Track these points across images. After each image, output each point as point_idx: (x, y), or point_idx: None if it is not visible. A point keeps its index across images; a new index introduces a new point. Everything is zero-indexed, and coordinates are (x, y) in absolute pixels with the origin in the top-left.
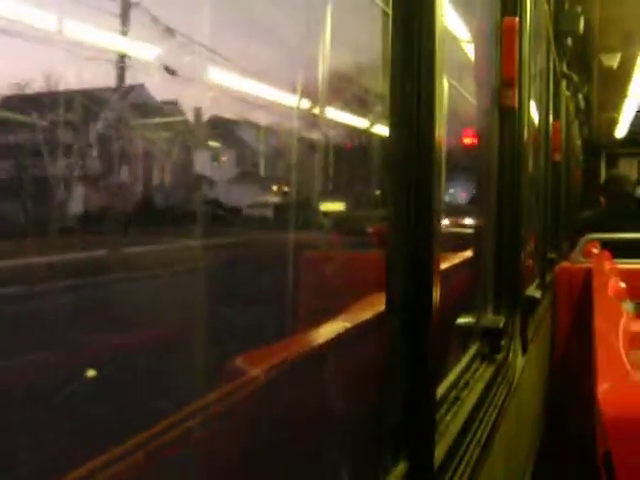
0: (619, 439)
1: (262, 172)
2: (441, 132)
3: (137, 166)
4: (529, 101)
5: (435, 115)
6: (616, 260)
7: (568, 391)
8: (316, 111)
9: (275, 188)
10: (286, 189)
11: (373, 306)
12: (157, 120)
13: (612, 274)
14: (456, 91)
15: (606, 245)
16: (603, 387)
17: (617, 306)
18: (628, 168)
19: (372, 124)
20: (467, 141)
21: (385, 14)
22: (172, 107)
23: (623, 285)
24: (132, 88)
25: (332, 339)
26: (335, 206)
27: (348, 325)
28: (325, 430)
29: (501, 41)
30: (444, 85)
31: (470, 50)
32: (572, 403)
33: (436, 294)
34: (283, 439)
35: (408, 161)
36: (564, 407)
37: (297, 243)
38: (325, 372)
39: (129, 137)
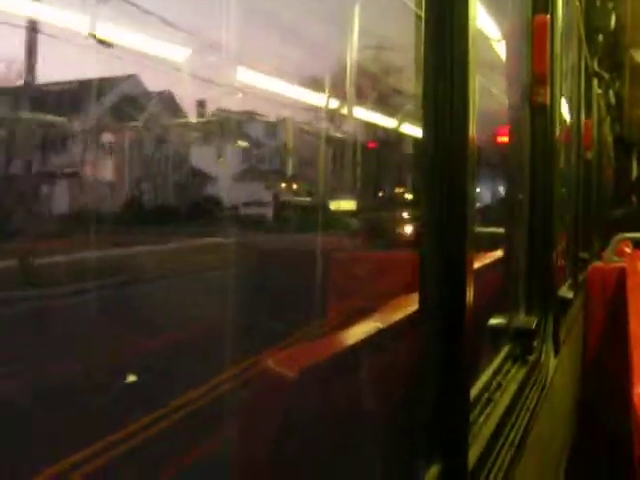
0: None
1: (271, 168)
2: (474, 133)
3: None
4: (560, 98)
5: (469, 116)
6: None
7: (601, 393)
8: (334, 106)
9: (284, 185)
10: (295, 186)
11: (406, 307)
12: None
13: None
14: (485, 90)
15: (638, 244)
16: (639, 390)
17: None
18: None
19: (399, 124)
20: (502, 140)
21: (418, 17)
22: (165, 99)
23: None
24: (123, 79)
25: (365, 340)
26: (347, 205)
27: (382, 325)
28: (359, 431)
29: (532, 39)
30: (476, 85)
31: (501, 48)
32: (605, 404)
33: (470, 294)
34: (316, 442)
35: (441, 162)
36: (597, 409)
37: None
38: (360, 374)
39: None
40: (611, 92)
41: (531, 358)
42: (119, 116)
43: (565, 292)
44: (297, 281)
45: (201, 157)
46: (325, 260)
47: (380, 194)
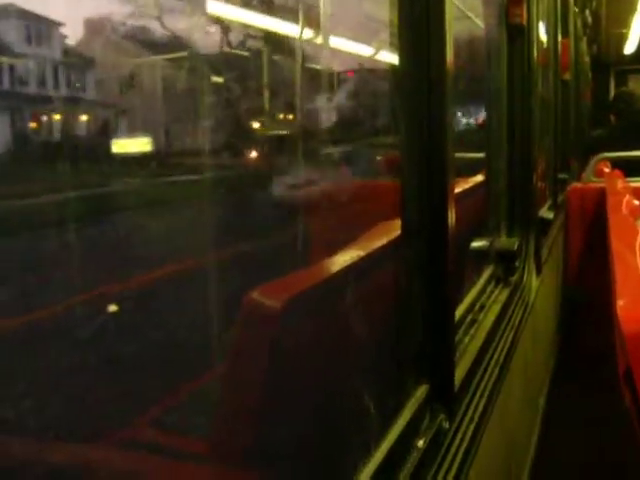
0: None
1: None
2: (451, 56)
3: None
4: (538, 18)
5: (446, 39)
6: (628, 179)
7: (583, 309)
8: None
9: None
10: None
11: (390, 232)
12: None
13: (625, 192)
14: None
15: (617, 164)
16: (622, 303)
17: (632, 224)
18: (638, 85)
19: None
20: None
21: None
22: None
23: (637, 203)
24: None
25: (350, 266)
26: (137, 144)
27: (364, 253)
28: (349, 358)
29: None
30: (453, 7)
31: None
32: (587, 321)
33: (452, 217)
34: (304, 366)
35: (419, 87)
36: (579, 326)
37: None
38: (346, 299)
39: None
40: (587, 11)
41: (514, 279)
42: None
43: (545, 213)
44: None
45: None
46: None
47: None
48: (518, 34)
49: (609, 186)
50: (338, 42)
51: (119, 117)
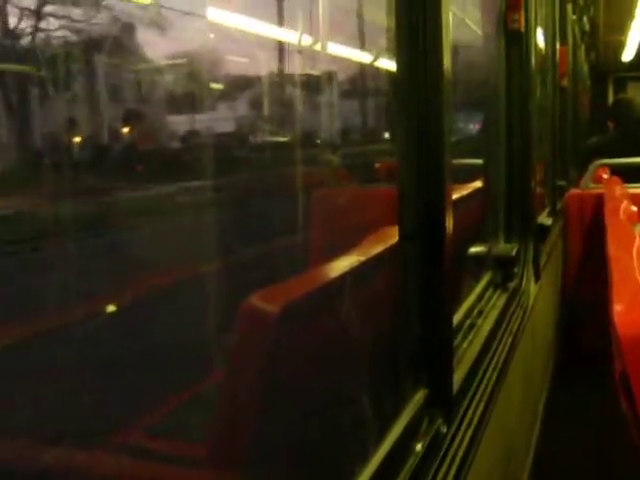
0: (636, 358)
1: None
2: (448, 63)
3: None
4: (536, 25)
5: (443, 44)
6: (626, 185)
7: (581, 314)
8: None
9: None
10: None
11: (387, 239)
12: None
13: (623, 198)
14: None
15: (615, 170)
16: (619, 308)
17: (630, 229)
18: (637, 92)
19: None
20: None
21: None
22: None
23: (635, 209)
24: None
25: (347, 272)
26: None
27: (363, 258)
28: (344, 361)
29: None
30: (450, 15)
31: None
32: (585, 326)
33: (449, 224)
34: (302, 372)
35: (417, 94)
36: (577, 330)
37: None
38: (345, 305)
39: None
40: (585, 18)
41: (512, 285)
42: None
43: (544, 219)
44: None
45: None
46: None
47: None
48: (516, 40)
49: (607, 192)
50: None
51: None
